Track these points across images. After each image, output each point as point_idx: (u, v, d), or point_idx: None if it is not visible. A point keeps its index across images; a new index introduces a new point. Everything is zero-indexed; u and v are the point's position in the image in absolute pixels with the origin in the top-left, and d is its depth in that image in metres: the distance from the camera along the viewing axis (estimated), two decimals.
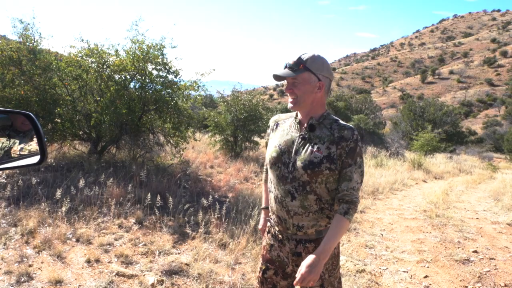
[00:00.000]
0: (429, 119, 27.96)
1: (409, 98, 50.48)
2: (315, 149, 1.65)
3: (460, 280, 3.73)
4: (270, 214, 1.87)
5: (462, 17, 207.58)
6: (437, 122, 27.63)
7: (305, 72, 1.63)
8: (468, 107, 79.96)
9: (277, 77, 1.68)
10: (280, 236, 1.80)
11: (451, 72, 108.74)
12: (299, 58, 1.65)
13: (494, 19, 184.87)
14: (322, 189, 1.66)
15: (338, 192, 1.63)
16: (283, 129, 1.80)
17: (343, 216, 1.60)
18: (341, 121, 1.71)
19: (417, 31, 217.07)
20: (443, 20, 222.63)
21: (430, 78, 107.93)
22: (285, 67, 1.67)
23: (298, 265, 1.76)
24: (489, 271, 4.00)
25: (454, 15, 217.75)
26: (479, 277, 3.83)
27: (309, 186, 1.65)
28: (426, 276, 3.76)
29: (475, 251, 4.58)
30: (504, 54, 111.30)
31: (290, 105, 1.70)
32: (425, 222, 5.86)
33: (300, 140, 1.70)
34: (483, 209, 7.24)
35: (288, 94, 1.69)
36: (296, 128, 1.74)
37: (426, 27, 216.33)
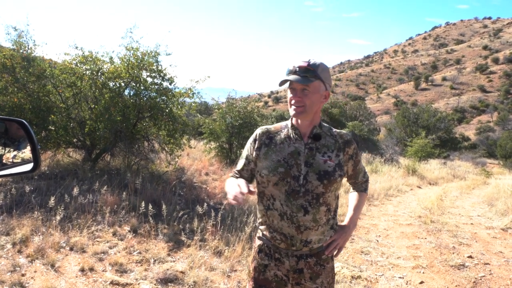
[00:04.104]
0: (423, 125, 28.16)
1: (403, 105, 50.98)
2: (326, 158, 1.63)
3: (456, 286, 3.73)
4: (264, 232, 1.72)
5: (454, 24, 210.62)
6: (431, 128, 27.84)
7: (317, 80, 1.55)
8: (461, 113, 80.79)
9: (283, 82, 1.58)
10: (277, 254, 1.68)
11: (444, 79, 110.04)
12: (312, 65, 1.55)
13: (485, 26, 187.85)
14: (332, 197, 1.65)
15: (356, 182, 1.87)
16: (281, 142, 1.67)
17: (364, 192, 1.89)
18: (332, 127, 1.75)
19: (410, 38, 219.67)
20: (435, 27, 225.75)
21: (423, 85, 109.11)
22: (293, 72, 1.57)
23: (298, 283, 1.68)
24: (484, 276, 4.02)
25: (447, 23, 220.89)
26: (474, 282, 3.84)
27: (322, 198, 1.60)
28: (421, 282, 3.76)
29: (470, 256, 4.60)
30: (496, 61, 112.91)
31: (293, 113, 1.59)
32: (420, 228, 5.88)
33: (307, 150, 1.63)
34: (477, 214, 7.28)
35: (294, 102, 1.58)
36: (297, 138, 1.65)
37: (419, 34, 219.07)
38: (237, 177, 1.76)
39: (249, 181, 1.76)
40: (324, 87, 1.60)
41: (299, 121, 1.65)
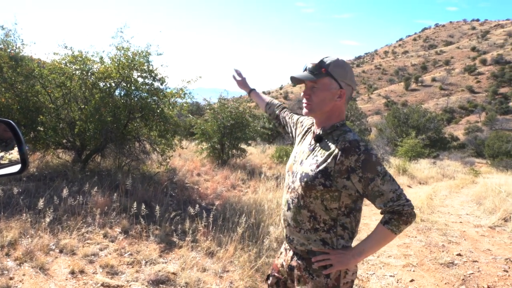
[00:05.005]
0: (413, 125, 28.47)
1: (394, 105, 51.49)
2: (313, 161, 1.53)
3: (445, 283, 3.78)
4: None
5: (443, 26, 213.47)
6: (421, 129, 28.16)
7: (327, 77, 1.50)
8: (450, 113, 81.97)
9: (294, 80, 1.57)
10: (286, 244, 1.73)
11: (433, 80, 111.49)
12: (321, 61, 1.52)
13: (473, 28, 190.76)
14: (317, 205, 1.52)
15: (379, 209, 1.52)
16: (306, 138, 1.71)
17: (382, 225, 1.51)
18: (351, 133, 1.52)
19: (400, 39, 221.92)
20: (425, 28, 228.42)
21: (413, 85, 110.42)
22: (305, 69, 1.56)
23: (292, 281, 1.67)
24: (472, 273, 4.08)
25: (436, 24, 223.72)
26: (463, 279, 3.90)
27: (302, 200, 1.54)
28: (412, 280, 3.81)
29: (459, 254, 4.67)
30: (484, 62, 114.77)
31: (304, 111, 1.58)
32: (410, 226, 5.94)
33: (307, 150, 1.61)
34: (466, 213, 7.39)
35: (303, 99, 1.58)
36: (311, 137, 1.66)
37: (409, 36, 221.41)
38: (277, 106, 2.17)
39: (274, 113, 2.13)
40: (337, 85, 1.52)
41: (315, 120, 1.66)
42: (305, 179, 1.51)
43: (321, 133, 1.57)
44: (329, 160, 1.48)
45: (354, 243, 1.62)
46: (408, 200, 1.48)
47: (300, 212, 1.56)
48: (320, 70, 1.50)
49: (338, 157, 1.45)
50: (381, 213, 1.54)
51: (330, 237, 1.54)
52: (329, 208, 1.51)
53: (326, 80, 1.51)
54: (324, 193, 1.49)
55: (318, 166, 1.50)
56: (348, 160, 1.44)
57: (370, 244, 1.55)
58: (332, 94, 1.52)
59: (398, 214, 1.47)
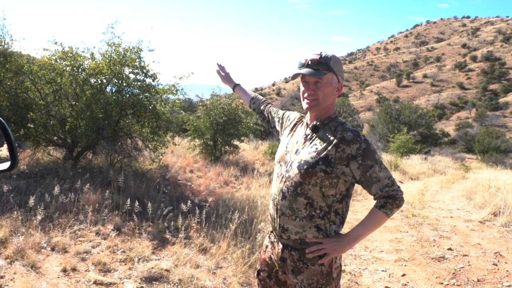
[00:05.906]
0: (405, 121, 28.67)
1: (386, 101, 51.77)
2: (313, 150, 1.59)
3: (436, 277, 3.84)
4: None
5: (435, 23, 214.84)
6: (412, 125, 28.37)
7: (329, 73, 1.56)
8: (441, 109, 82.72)
9: (296, 76, 1.60)
10: (272, 237, 1.78)
11: (424, 76, 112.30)
12: (324, 57, 1.56)
13: (464, 25, 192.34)
14: (315, 192, 1.57)
15: (373, 195, 1.62)
16: (298, 129, 1.77)
17: (378, 209, 1.61)
18: (347, 125, 1.62)
19: (392, 36, 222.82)
20: (416, 25, 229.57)
21: (405, 82, 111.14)
22: (305, 65, 1.58)
23: (284, 272, 1.71)
24: (463, 267, 4.14)
25: (427, 21, 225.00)
26: (453, 273, 3.96)
27: (300, 188, 1.58)
28: (403, 274, 3.85)
29: (450, 249, 4.73)
30: (474, 59, 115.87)
31: (307, 106, 1.62)
32: (402, 221, 6.01)
33: (302, 140, 1.67)
34: (456, 208, 7.49)
35: (306, 95, 1.61)
36: (304, 128, 1.71)
37: (401, 32, 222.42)
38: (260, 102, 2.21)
39: (258, 108, 2.17)
40: (336, 80, 1.60)
41: (309, 113, 1.70)
42: (305, 166, 1.57)
43: (318, 124, 1.64)
44: (329, 148, 1.55)
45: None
46: (399, 186, 1.63)
47: (297, 200, 1.60)
48: (325, 66, 1.56)
49: (339, 145, 1.54)
50: (375, 198, 1.64)
51: (324, 223, 1.62)
52: (326, 194, 1.59)
53: (329, 76, 1.58)
54: (324, 180, 1.56)
55: (318, 154, 1.56)
56: (350, 148, 1.53)
57: (366, 228, 1.65)
58: (333, 89, 1.61)
59: (392, 198, 1.60)
